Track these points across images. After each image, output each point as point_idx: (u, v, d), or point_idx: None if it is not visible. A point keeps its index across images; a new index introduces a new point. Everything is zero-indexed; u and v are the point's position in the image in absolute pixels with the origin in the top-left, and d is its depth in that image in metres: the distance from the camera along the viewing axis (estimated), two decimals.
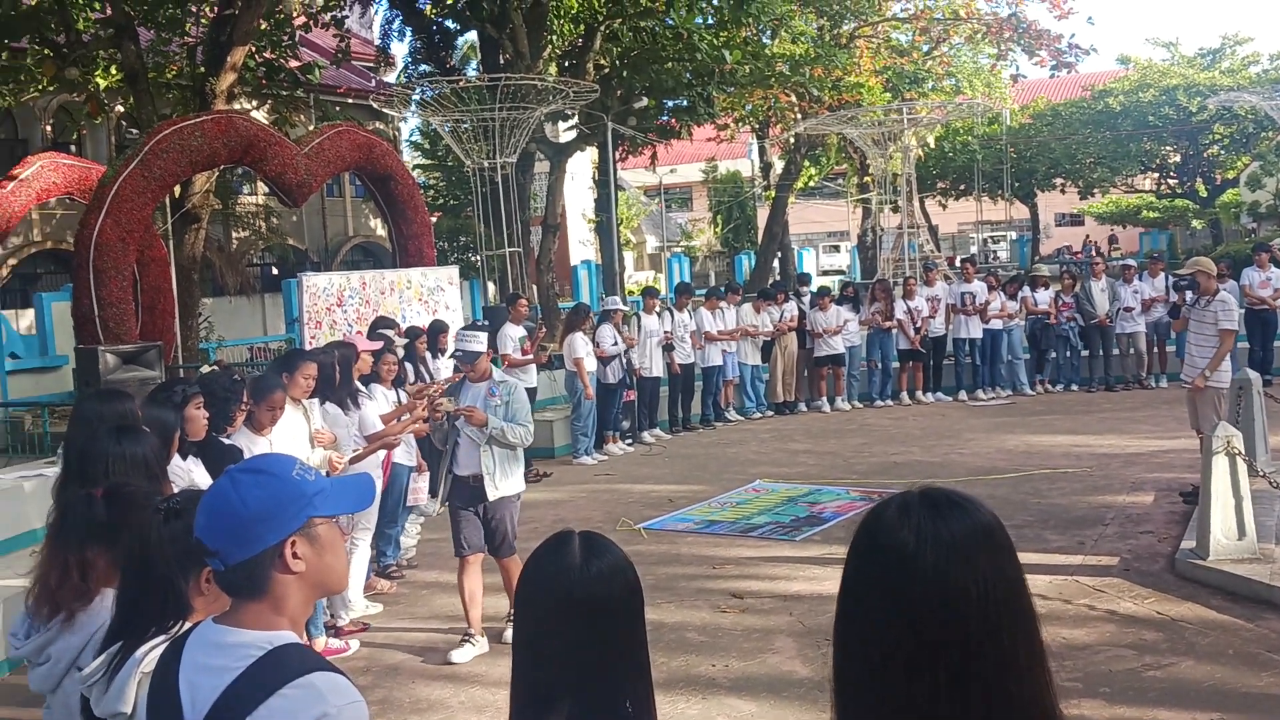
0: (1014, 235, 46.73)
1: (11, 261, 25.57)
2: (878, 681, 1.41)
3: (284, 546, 1.96)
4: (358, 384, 7.74)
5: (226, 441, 5.59)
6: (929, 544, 1.42)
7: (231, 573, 1.96)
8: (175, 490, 3.36)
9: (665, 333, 14.10)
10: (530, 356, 12.40)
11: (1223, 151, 40.39)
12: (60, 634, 2.82)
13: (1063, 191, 43.04)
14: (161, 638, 2.24)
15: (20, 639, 2.97)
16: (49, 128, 26.85)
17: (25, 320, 22.17)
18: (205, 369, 13.03)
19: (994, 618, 1.39)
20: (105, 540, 2.85)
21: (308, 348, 9.59)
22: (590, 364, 12.62)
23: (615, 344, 13.10)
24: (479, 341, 6.71)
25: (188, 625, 2.19)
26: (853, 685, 1.46)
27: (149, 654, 2.20)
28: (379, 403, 8.01)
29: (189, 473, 4.78)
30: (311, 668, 1.89)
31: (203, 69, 17.64)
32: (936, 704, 1.37)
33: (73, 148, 26.06)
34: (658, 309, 14.24)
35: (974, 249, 43.89)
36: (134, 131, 22.92)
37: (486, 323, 12.02)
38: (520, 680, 1.88)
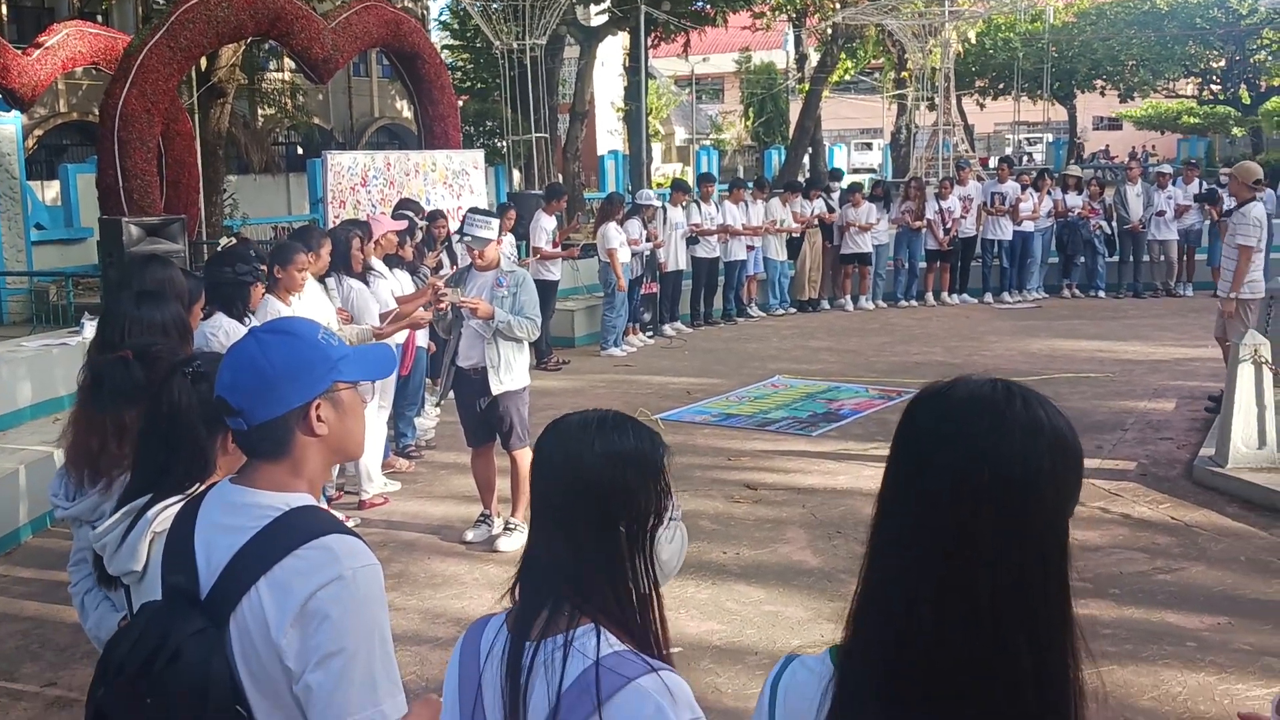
0: (1050, 138, 45.93)
1: (38, 132, 25.49)
2: (880, 557, 1.40)
3: (309, 408, 1.95)
4: (372, 262, 7.72)
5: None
6: (933, 412, 1.40)
7: (254, 433, 1.94)
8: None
9: (691, 225, 13.96)
10: (560, 250, 12.33)
11: (1270, 58, 39.46)
12: (113, 495, 2.80)
13: (1102, 94, 42.26)
14: (176, 497, 2.25)
15: (64, 500, 2.97)
16: None
17: (51, 191, 22.21)
18: (225, 241, 13.05)
19: (988, 497, 1.32)
20: (141, 402, 2.81)
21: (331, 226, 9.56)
22: (624, 255, 12.46)
23: (641, 239, 12.98)
24: (489, 228, 6.38)
25: (204, 486, 2.19)
26: (868, 561, 1.43)
27: (161, 514, 2.21)
28: (397, 283, 8.01)
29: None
30: (328, 529, 1.89)
31: None
32: (922, 590, 1.33)
33: (99, 17, 25.75)
34: (684, 203, 14.08)
35: (1009, 150, 43.18)
36: (161, 2, 22.61)
37: (512, 205, 11.91)
38: (528, 554, 1.81)
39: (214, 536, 1.92)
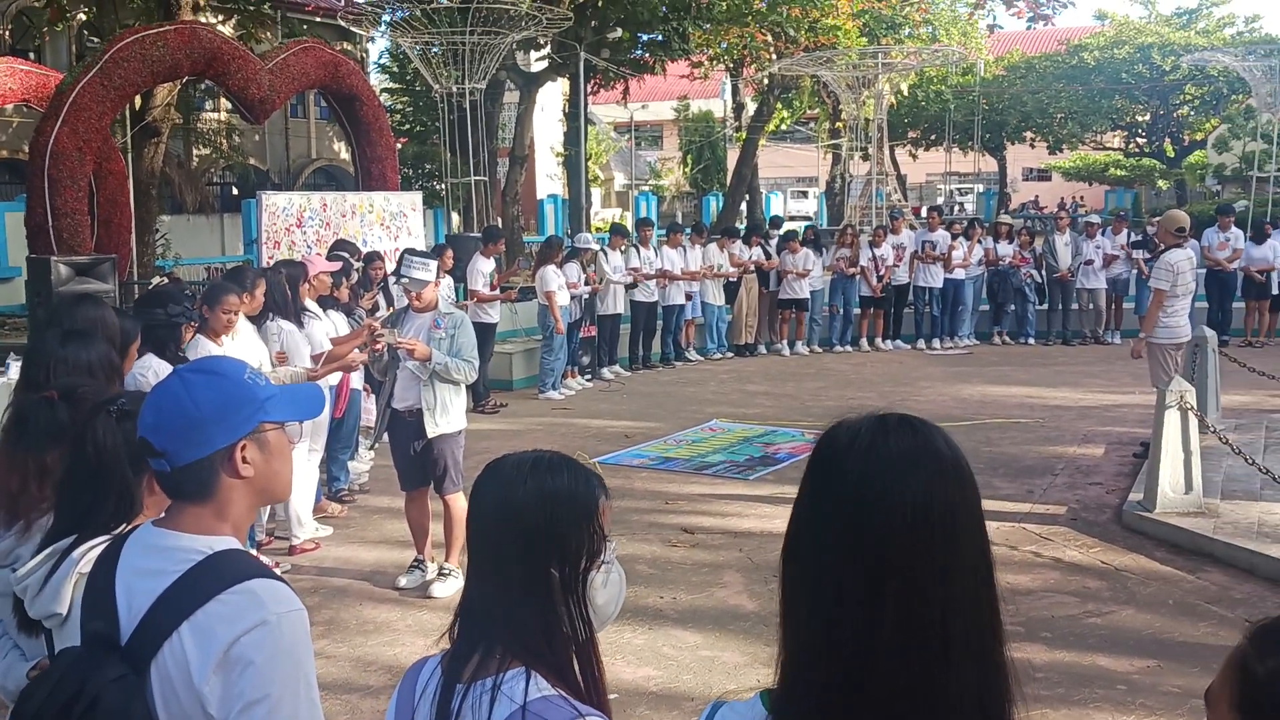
0: (981, 188, 46.80)
1: None
2: (812, 597, 1.37)
3: (234, 450, 1.91)
4: (306, 304, 7.64)
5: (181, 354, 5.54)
6: (861, 456, 1.38)
7: (177, 474, 1.90)
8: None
9: (630, 269, 14.02)
10: (498, 293, 12.29)
11: (1192, 113, 40.60)
12: (30, 538, 2.72)
13: (1032, 146, 43.16)
14: (102, 538, 2.19)
15: None
16: (7, 33, 26.16)
17: None
18: (156, 280, 12.85)
19: (925, 538, 1.33)
20: (65, 444, 2.73)
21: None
22: (562, 298, 12.45)
23: (580, 282, 12.98)
24: (427, 270, 6.33)
25: (129, 527, 2.14)
26: (791, 602, 1.41)
27: (86, 554, 2.15)
28: (333, 325, 7.92)
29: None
30: (252, 574, 1.85)
31: None
32: (859, 624, 1.31)
33: (31, 54, 25.42)
34: (622, 247, 14.14)
35: (941, 199, 43.92)
36: (95, 40, 22.41)
37: (448, 246, 11.85)
38: (464, 597, 1.80)
39: (135, 581, 1.87)
